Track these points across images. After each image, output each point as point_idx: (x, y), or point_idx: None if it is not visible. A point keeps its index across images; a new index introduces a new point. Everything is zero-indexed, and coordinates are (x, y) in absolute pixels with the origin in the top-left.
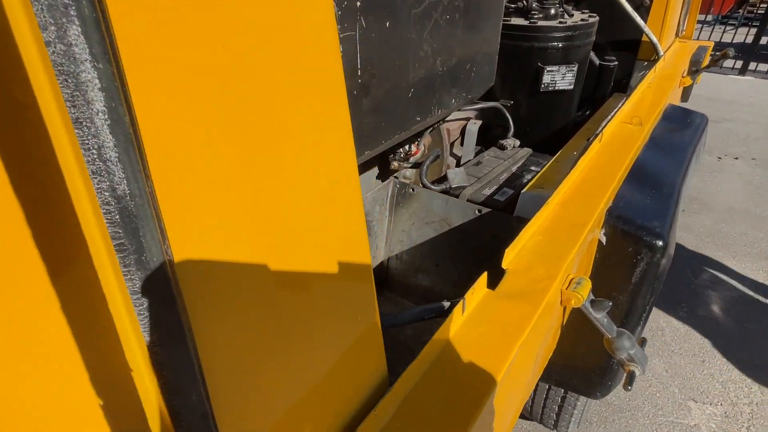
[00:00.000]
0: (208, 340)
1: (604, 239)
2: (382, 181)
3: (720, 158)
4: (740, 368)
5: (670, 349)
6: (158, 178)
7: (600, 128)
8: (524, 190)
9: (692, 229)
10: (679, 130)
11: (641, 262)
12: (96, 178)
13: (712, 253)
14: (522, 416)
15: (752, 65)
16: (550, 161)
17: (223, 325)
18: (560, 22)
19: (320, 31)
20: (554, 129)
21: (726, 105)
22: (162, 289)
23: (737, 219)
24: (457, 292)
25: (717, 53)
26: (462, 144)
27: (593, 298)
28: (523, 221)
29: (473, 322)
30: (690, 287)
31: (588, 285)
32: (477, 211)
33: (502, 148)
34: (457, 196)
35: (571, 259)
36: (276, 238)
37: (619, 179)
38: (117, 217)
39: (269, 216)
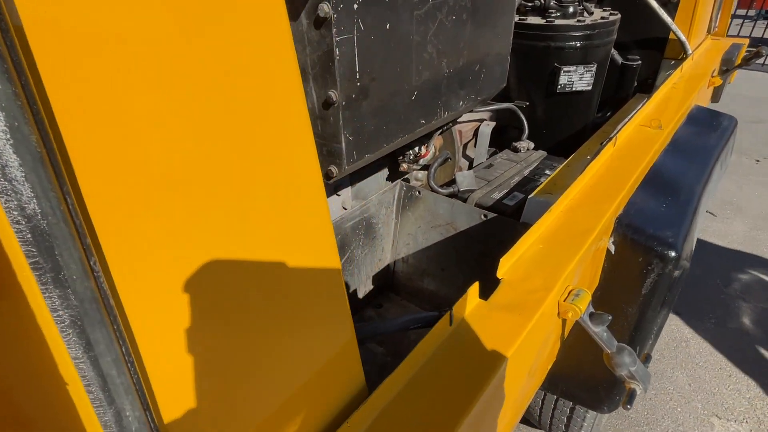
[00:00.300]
0: (159, 355)
1: (612, 248)
2: (392, 182)
3: (758, 161)
4: None
5: (695, 362)
6: (88, 196)
7: (615, 131)
8: (531, 195)
9: (724, 235)
10: (704, 133)
11: (652, 273)
12: (2, 197)
13: (744, 262)
14: (531, 425)
15: None
16: (561, 165)
17: (176, 340)
18: (578, 21)
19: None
20: (571, 131)
21: (767, 104)
22: (84, 307)
23: None
24: None
25: (750, 50)
26: (475, 145)
27: (593, 311)
28: (525, 226)
29: (461, 334)
30: (719, 297)
31: (587, 297)
32: (482, 216)
33: (516, 150)
34: (465, 200)
35: (571, 269)
36: (230, 250)
37: (632, 185)
38: (29, 235)
39: (219, 227)
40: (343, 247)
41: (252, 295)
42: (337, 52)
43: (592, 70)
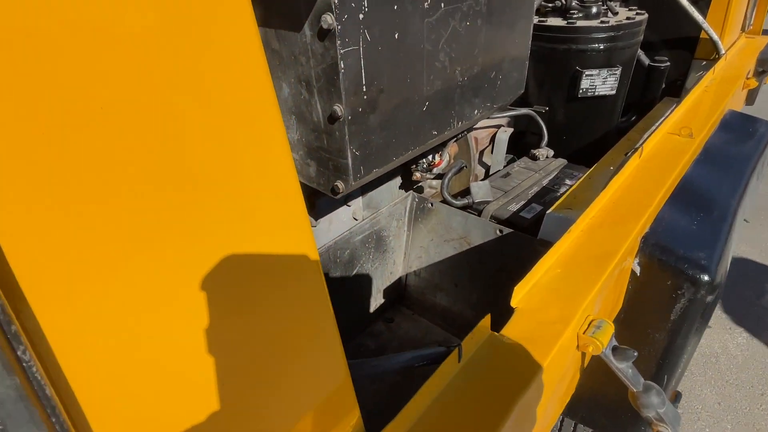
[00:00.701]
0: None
1: (638, 270)
2: (405, 191)
3: None
4: None
5: (725, 380)
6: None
7: (641, 141)
8: (550, 210)
9: (757, 242)
10: (739, 140)
11: (682, 298)
12: None
13: None
14: None
15: None
16: (582, 177)
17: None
18: (602, 22)
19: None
20: (593, 138)
21: None
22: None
23: None
24: (476, 315)
25: None
26: (492, 152)
27: (616, 344)
28: (547, 245)
29: (471, 371)
30: (751, 309)
31: (609, 330)
32: (498, 231)
33: (534, 158)
34: (480, 212)
35: (592, 298)
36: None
37: (660, 201)
38: None
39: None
40: (352, 261)
41: (223, 344)
42: (342, 65)
43: (616, 74)
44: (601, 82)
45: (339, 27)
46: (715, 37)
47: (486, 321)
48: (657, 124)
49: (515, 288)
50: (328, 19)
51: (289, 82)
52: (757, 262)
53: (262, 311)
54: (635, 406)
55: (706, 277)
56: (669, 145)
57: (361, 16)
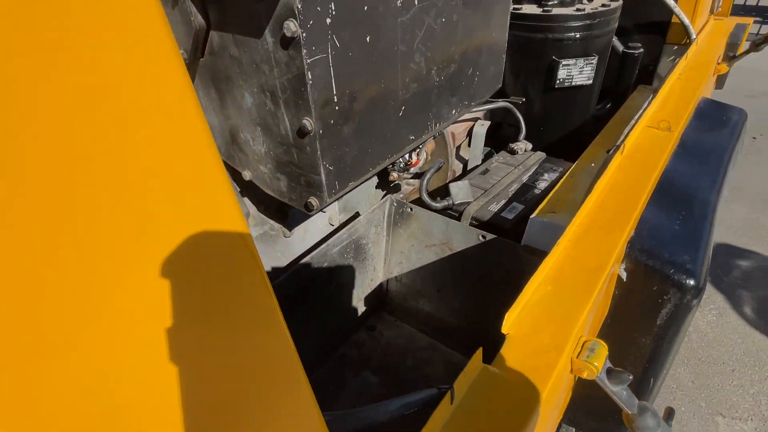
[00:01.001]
0: None
1: (624, 275)
2: (383, 191)
3: (755, 138)
4: None
5: (697, 357)
6: None
7: (621, 137)
8: (533, 215)
9: (724, 219)
10: (714, 129)
11: (668, 303)
12: None
13: (746, 247)
14: None
15: None
16: (564, 176)
17: None
18: (577, 10)
19: None
20: (570, 128)
21: (763, 77)
22: None
23: None
24: (460, 321)
25: (758, 36)
26: (470, 145)
27: (610, 366)
28: (531, 251)
29: (465, 412)
30: (720, 287)
31: (603, 352)
32: (480, 237)
33: (513, 152)
34: (460, 213)
35: (585, 317)
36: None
37: (644, 201)
38: None
39: None
40: (331, 274)
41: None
42: (310, 76)
43: (592, 63)
44: (577, 72)
45: (304, 34)
46: (687, 21)
47: (477, 357)
48: (636, 117)
49: (506, 315)
50: (292, 26)
51: (251, 91)
52: (723, 240)
53: (185, 354)
54: (630, 428)
55: (692, 282)
56: (649, 139)
57: (328, 20)
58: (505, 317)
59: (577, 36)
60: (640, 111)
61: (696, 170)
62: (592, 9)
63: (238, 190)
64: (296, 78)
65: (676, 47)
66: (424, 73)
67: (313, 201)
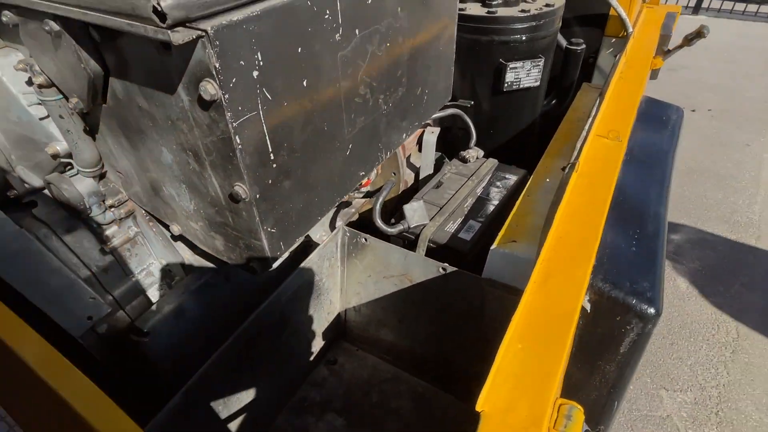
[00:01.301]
0: None
1: (588, 306)
2: (333, 210)
3: (693, 111)
4: (706, 347)
5: None
6: None
7: (575, 153)
8: (494, 245)
9: None
10: (656, 132)
11: (631, 333)
12: None
13: (674, 221)
14: None
15: (705, 2)
16: (521, 196)
17: None
18: (522, 11)
19: None
20: (519, 129)
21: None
22: None
23: (697, 180)
24: (423, 351)
25: (690, 33)
26: (420, 150)
27: (587, 428)
28: (492, 284)
29: None
30: None
31: (580, 417)
32: (441, 269)
33: (465, 161)
34: (417, 236)
35: (560, 379)
36: None
37: (602, 226)
38: None
39: None
40: (283, 320)
41: None
42: (238, 140)
43: (539, 65)
44: (525, 75)
45: (227, 96)
46: (624, 15)
47: None
48: (586, 129)
49: (481, 393)
50: (210, 89)
51: (170, 148)
52: None
53: None
54: None
55: (652, 311)
56: (601, 152)
57: (255, 73)
58: (480, 396)
59: (523, 38)
60: (589, 120)
61: (644, 180)
62: (536, 10)
63: (168, 235)
64: (222, 142)
65: (614, 40)
66: (371, 105)
67: (256, 266)
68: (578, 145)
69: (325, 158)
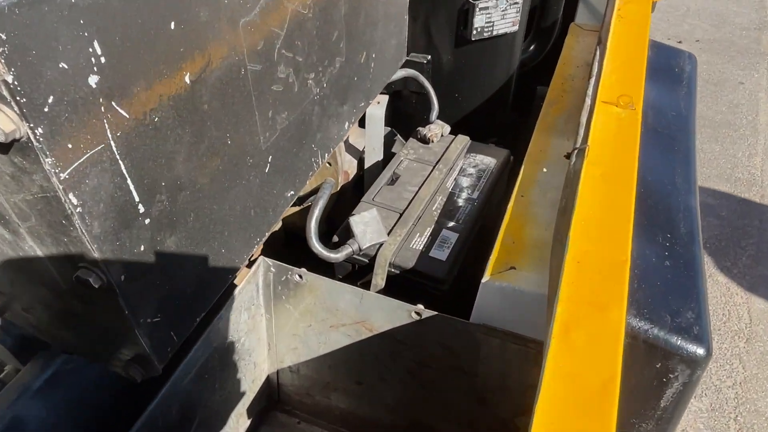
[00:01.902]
0: None
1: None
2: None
3: None
4: (718, 339)
5: None
6: None
7: (581, 133)
8: (486, 277)
9: None
10: (672, 90)
11: (675, 382)
12: None
13: None
14: None
15: None
16: (512, 198)
17: None
18: None
19: None
20: (492, 90)
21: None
22: None
23: None
24: (396, 421)
25: None
26: (364, 131)
27: None
28: (486, 330)
29: None
30: None
31: None
32: (414, 314)
33: (425, 141)
34: (372, 259)
35: None
36: None
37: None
38: None
39: None
40: (187, 412)
41: None
42: (73, 200)
43: (518, 3)
44: (499, 17)
45: (39, 130)
46: None
47: None
48: (590, 94)
49: None
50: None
51: None
52: None
53: None
54: None
55: (702, 352)
56: (612, 126)
57: (93, 80)
58: None
59: None
60: (592, 81)
61: (666, 161)
62: None
63: None
64: (43, 203)
65: None
66: (297, 90)
67: (135, 372)
68: (583, 120)
69: (233, 186)
